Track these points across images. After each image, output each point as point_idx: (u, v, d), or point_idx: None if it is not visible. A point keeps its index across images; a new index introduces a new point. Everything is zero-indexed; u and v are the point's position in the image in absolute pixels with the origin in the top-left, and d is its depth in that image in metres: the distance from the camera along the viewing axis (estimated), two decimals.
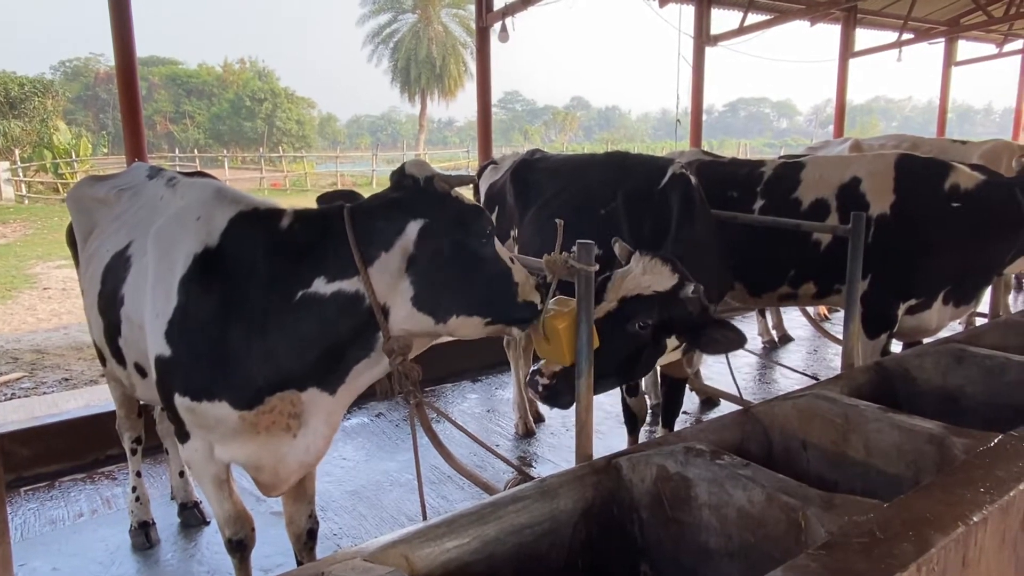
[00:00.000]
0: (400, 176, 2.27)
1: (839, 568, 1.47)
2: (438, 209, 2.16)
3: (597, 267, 2.45)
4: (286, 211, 2.35)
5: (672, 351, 3.02)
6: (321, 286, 2.16)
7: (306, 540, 2.76)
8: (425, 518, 2.02)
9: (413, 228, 2.15)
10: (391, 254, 2.14)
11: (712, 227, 3.59)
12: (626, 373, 2.95)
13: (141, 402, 3.70)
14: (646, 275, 2.83)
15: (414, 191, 2.20)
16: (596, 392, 2.59)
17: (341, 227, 2.16)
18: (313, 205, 2.48)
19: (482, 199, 5.11)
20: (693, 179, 3.53)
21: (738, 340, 2.79)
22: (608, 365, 2.68)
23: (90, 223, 3.10)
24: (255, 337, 2.19)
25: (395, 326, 2.19)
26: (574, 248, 2.46)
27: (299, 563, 2.78)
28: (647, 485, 2.18)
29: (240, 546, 2.60)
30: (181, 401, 2.28)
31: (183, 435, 2.40)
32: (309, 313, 2.16)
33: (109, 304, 2.61)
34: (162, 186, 2.81)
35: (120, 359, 2.67)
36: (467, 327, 2.26)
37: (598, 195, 3.74)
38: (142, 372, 2.58)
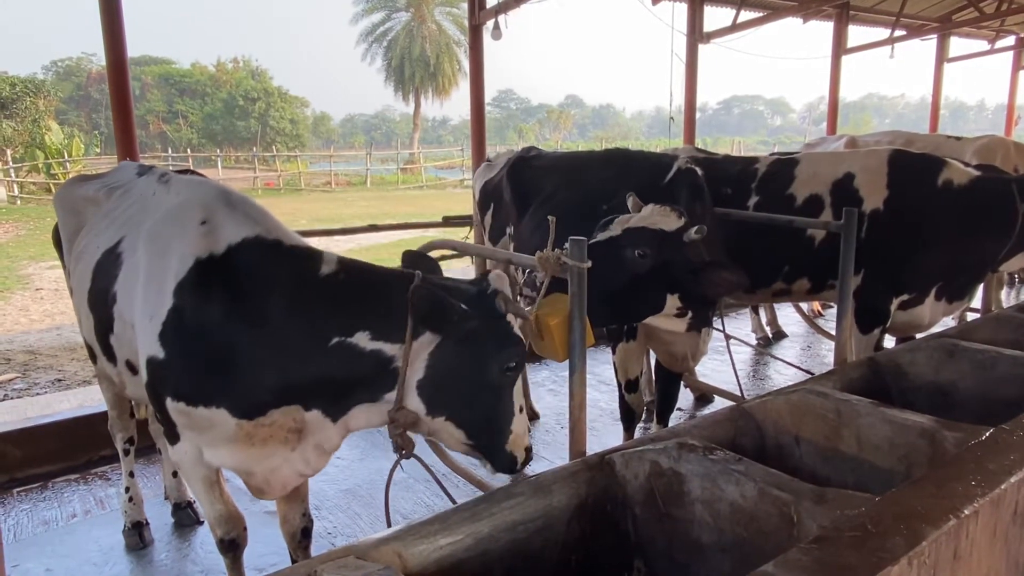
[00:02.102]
0: (481, 279, 2.31)
1: (830, 562, 1.47)
2: (488, 320, 2.18)
3: (590, 263, 2.45)
4: (323, 255, 2.31)
5: (674, 318, 3.04)
6: (363, 340, 2.16)
7: (300, 538, 2.76)
8: (389, 525, 2.02)
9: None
10: (430, 335, 2.16)
11: (717, 220, 3.61)
12: (618, 308, 2.98)
13: (133, 402, 3.70)
14: (654, 215, 2.90)
15: (479, 292, 2.22)
16: (592, 326, 2.61)
17: (402, 294, 2.15)
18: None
19: (476, 197, 5.12)
20: (700, 172, 3.54)
21: (738, 281, 2.83)
22: (602, 291, 2.72)
23: (77, 222, 3.08)
24: (272, 361, 2.17)
25: (404, 398, 2.21)
26: (567, 244, 2.47)
27: (293, 561, 2.77)
28: (640, 481, 2.18)
29: (232, 546, 2.59)
30: (174, 405, 2.25)
31: (173, 436, 2.38)
32: (340, 359, 2.17)
33: (100, 301, 2.59)
34: (154, 183, 2.79)
35: (111, 356, 2.65)
36: (448, 434, 2.26)
37: (600, 192, 3.74)
38: (133, 369, 2.56)
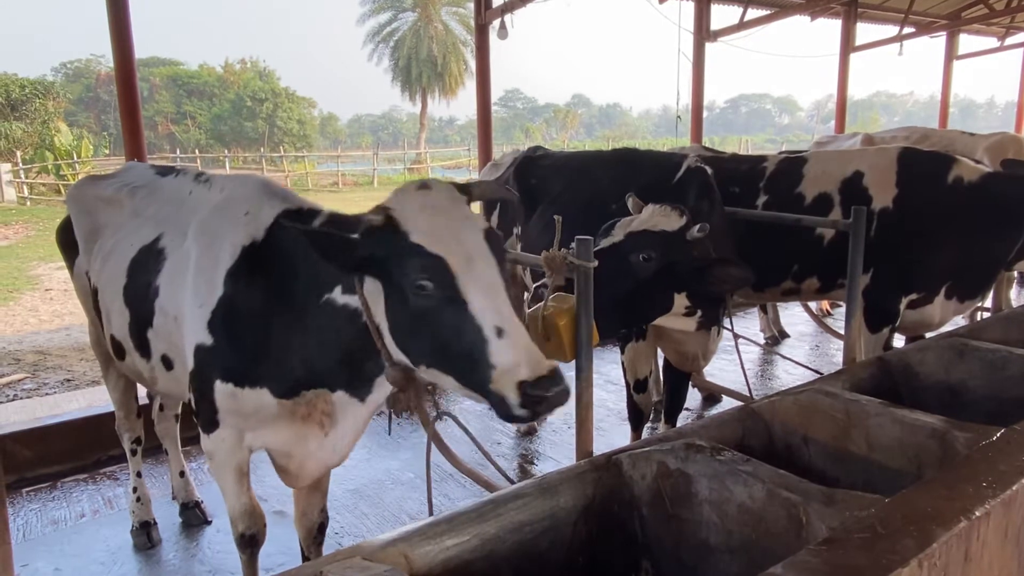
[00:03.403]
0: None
1: (840, 563, 1.46)
2: (385, 242, 1.93)
3: (596, 263, 2.44)
4: (321, 211, 2.26)
5: (684, 317, 3.03)
6: (338, 295, 2.16)
7: (316, 534, 2.81)
8: (431, 513, 2.03)
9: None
10: (371, 280, 2.02)
11: (727, 218, 3.60)
12: (628, 313, 2.99)
13: (160, 399, 3.79)
14: (655, 216, 2.89)
15: (376, 219, 1.97)
16: (601, 335, 2.60)
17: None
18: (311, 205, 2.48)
19: None
20: (709, 171, 3.53)
21: (744, 276, 2.83)
22: (610, 299, 2.72)
23: (93, 222, 3.11)
24: (292, 332, 2.24)
25: (392, 354, 2.09)
26: (573, 244, 2.46)
27: (306, 558, 2.83)
28: (648, 482, 2.17)
29: (252, 541, 2.61)
30: (223, 387, 2.32)
31: (210, 424, 2.41)
32: (327, 318, 2.18)
33: (139, 296, 2.63)
34: (189, 182, 2.86)
35: (145, 351, 2.68)
36: (443, 381, 2.01)
37: (609, 191, 3.73)
38: (168, 365, 2.61)
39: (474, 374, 1.87)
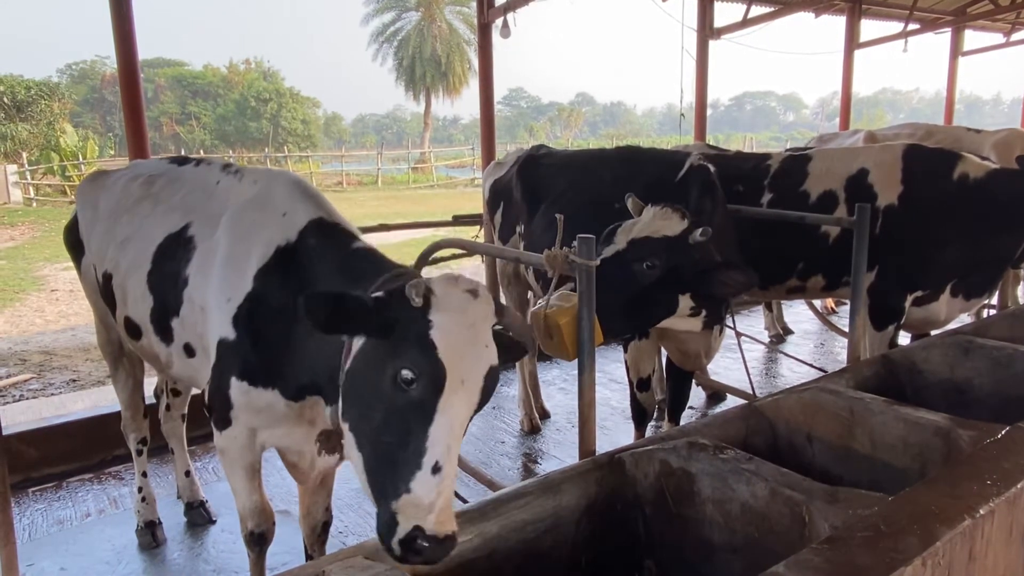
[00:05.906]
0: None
1: (843, 562, 1.46)
2: (396, 312, 1.81)
3: (598, 262, 2.43)
4: (347, 230, 2.43)
5: (689, 318, 3.03)
6: None
7: (320, 532, 2.83)
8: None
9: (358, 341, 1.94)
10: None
11: (730, 217, 3.59)
12: (633, 318, 2.98)
13: (166, 399, 3.83)
14: (656, 221, 2.87)
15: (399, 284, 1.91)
16: (607, 337, 2.59)
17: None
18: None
19: (486, 196, 5.11)
20: (712, 169, 3.52)
21: (747, 280, 2.82)
22: (615, 306, 2.72)
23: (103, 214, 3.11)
24: (305, 339, 2.21)
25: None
26: (575, 243, 2.45)
27: (309, 556, 2.84)
28: (651, 480, 2.17)
29: (261, 539, 2.63)
30: (238, 384, 2.33)
31: (224, 421, 2.42)
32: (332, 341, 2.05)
33: (166, 283, 2.62)
34: (216, 172, 2.85)
35: (167, 338, 2.66)
36: (351, 457, 1.90)
37: (612, 190, 3.72)
38: (190, 353, 2.60)
39: (384, 481, 1.75)
